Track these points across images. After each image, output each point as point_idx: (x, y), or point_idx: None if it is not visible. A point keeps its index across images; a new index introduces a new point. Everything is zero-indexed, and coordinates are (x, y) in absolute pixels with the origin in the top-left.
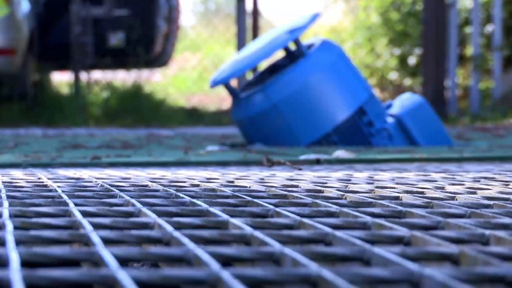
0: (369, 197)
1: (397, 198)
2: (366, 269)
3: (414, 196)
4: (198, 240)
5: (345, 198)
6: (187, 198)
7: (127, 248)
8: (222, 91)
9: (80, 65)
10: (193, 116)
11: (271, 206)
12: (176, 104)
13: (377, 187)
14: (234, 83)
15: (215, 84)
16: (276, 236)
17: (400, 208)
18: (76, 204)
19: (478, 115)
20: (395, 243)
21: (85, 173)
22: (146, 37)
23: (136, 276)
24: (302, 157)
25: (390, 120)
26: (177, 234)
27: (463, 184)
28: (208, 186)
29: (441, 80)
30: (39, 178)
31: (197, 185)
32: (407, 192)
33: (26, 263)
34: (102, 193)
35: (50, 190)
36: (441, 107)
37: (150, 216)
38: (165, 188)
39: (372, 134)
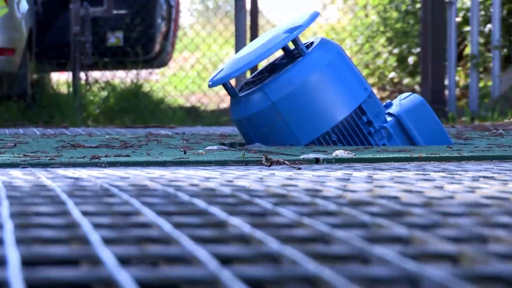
0: (368, 196)
1: (396, 197)
2: (365, 268)
3: (413, 195)
4: (197, 239)
5: (344, 197)
6: (186, 197)
7: (126, 247)
8: (221, 90)
9: (79, 64)
10: (192, 115)
11: (270, 205)
12: (175, 103)
13: (376, 186)
14: (232, 82)
15: (213, 84)
16: (275, 235)
17: (399, 207)
18: (75, 204)
19: (477, 114)
20: (394, 242)
21: (84, 173)
22: (145, 37)
23: (135, 275)
24: (301, 157)
25: (389, 119)
26: (176, 233)
27: (462, 183)
28: (207, 186)
29: (440, 79)
30: (38, 178)
31: (196, 185)
32: (406, 191)
33: (25, 263)
34: (101, 192)
35: (49, 190)
36: (440, 106)
37: (149, 216)
38: (164, 188)
39: (371, 133)
